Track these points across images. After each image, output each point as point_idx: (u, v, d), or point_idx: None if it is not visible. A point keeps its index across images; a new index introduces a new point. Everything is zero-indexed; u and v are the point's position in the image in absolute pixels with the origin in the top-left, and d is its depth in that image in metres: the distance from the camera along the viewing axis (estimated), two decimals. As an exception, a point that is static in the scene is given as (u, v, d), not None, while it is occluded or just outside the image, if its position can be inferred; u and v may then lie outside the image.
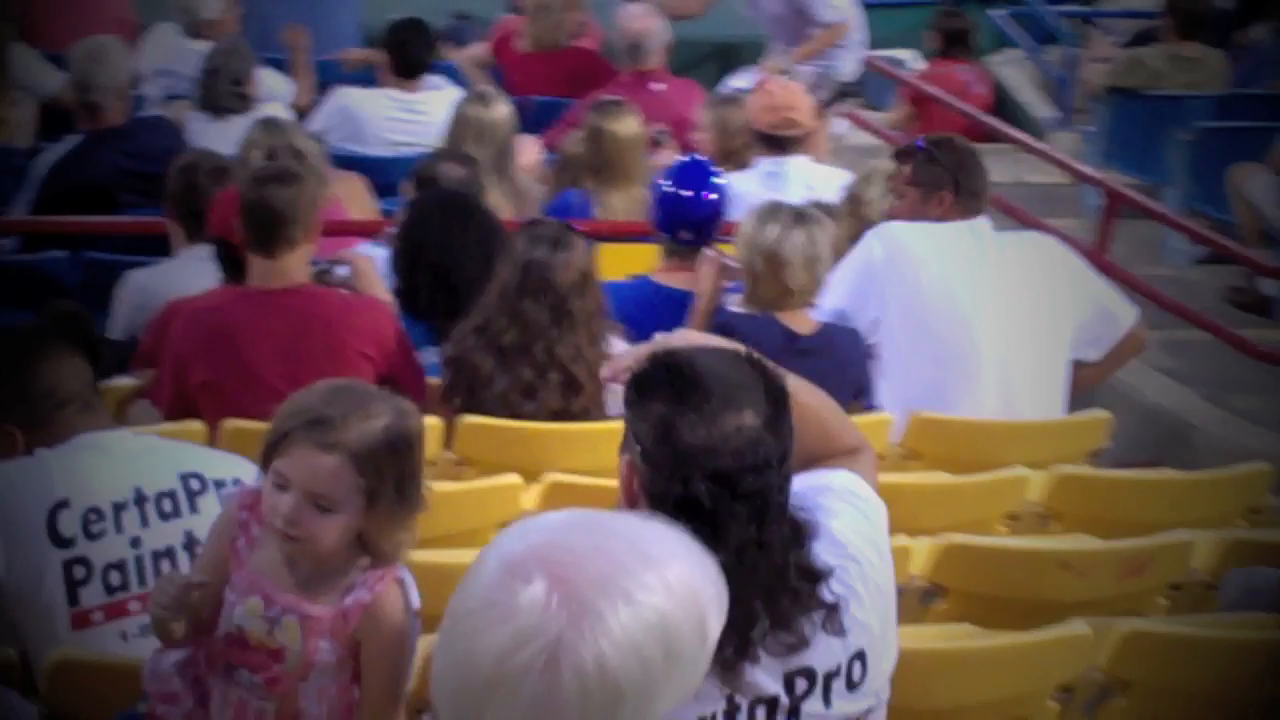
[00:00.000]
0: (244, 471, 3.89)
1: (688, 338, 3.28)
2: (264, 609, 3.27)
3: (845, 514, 3.10)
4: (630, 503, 2.92)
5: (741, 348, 3.05)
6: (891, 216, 6.26)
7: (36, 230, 7.63)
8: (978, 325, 5.98)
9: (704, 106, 8.43)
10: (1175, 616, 4.44)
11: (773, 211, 5.82)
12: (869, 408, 5.88)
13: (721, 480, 2.80)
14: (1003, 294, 6.06)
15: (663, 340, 3.23)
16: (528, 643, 2.05)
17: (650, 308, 6.21)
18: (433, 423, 5.35)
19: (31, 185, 7.73)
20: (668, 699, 2.15)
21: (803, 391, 3.32)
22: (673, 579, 2.14)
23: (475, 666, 2.07)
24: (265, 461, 3.21)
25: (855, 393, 5.85)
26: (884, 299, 6.01)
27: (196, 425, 5.25)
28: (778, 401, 2.89)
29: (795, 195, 7.33)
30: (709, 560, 2.24)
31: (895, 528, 4.52)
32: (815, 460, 3.28)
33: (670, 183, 6.43)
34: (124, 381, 5.78)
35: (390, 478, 3.19)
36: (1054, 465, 5.22)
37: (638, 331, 5.91)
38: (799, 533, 2.92)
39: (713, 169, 6.57)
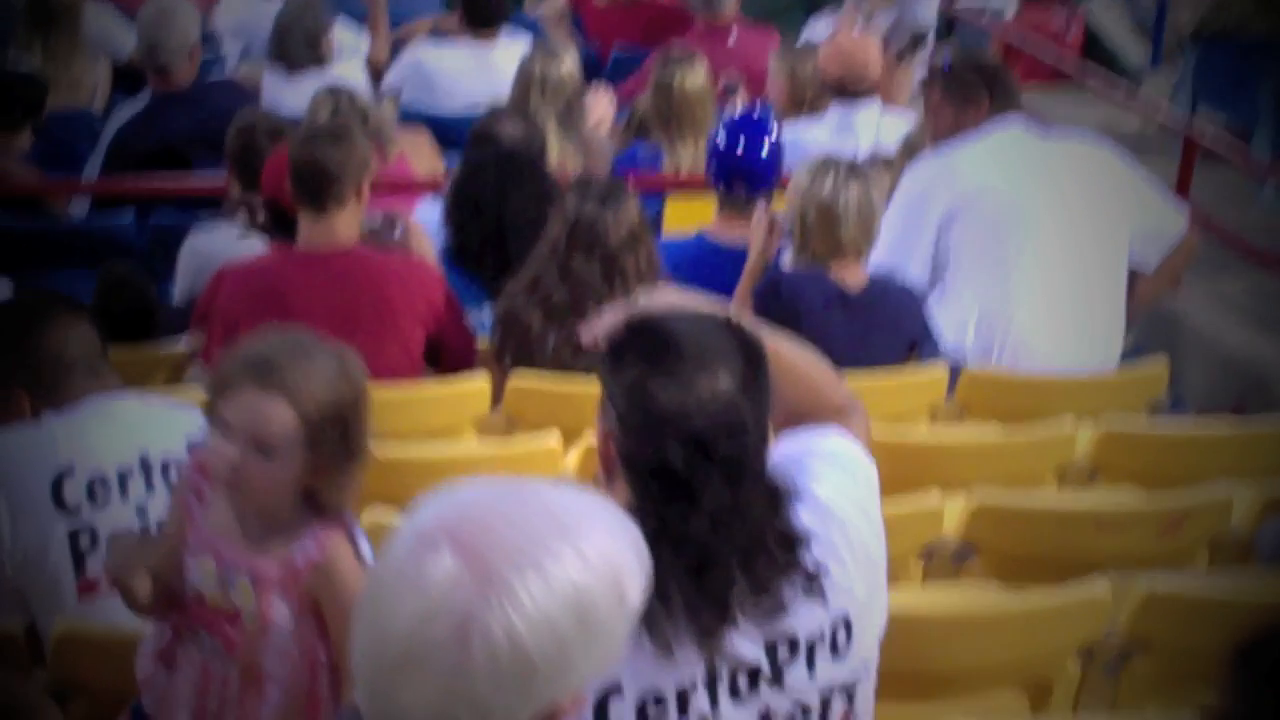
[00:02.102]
0: None
1: (668, 299, 3.23)
2: (217, 569, 3.28)
3: (830, 476, 3.06)
4: (607, 467, 2.91)
5: (721, 309, 3.02)
6: (935, 138, 6.22)
7: (101, 193, 7.67)
8: (1035, 235, 5.93)
9: (774, 57, 8.37)
10: (1202, 574, 4.35)
11: (826, 164, 5.75)
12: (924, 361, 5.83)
13: (696, 444, 2.76)
14: (1056, 201, 6.01)
15: (641, 303, 3.20)
16: (437, 617, 2.04)
17: (705, 263, 6.18)
18: (482, 382, 5.35)
19: (101, 148, 7.78)
20: (586, 669, 2.13)
21: (789, 350, 3.29)
22: (589, 549, 2.12)
23: (387, 641, 2.07)
24: (210, 410, 3.21)
25: (909, 347, 5.79)
26: (932, 229, 5.99)
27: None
28: (754, 364, 2.85)
29: (865, 145, 7.30)
30: (631, 530, 2.22)
31: (940, 484, 4.54)
32: (803, 419, 3.24)
33: (725, 135, 6.38)
34: (183, 344, 5.82)
35: (332, 423, 3.18)
36: (1103, 418, 5.15)
37: (696, 285, 5.88)
38: (777, 496, 2.88)
39: (769, 121, 6.50)
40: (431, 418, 5.31)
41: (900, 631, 3.59)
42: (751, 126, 6.40)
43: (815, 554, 2.90)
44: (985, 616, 3.87)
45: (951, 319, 5.95)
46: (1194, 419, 5.80)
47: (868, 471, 3.17)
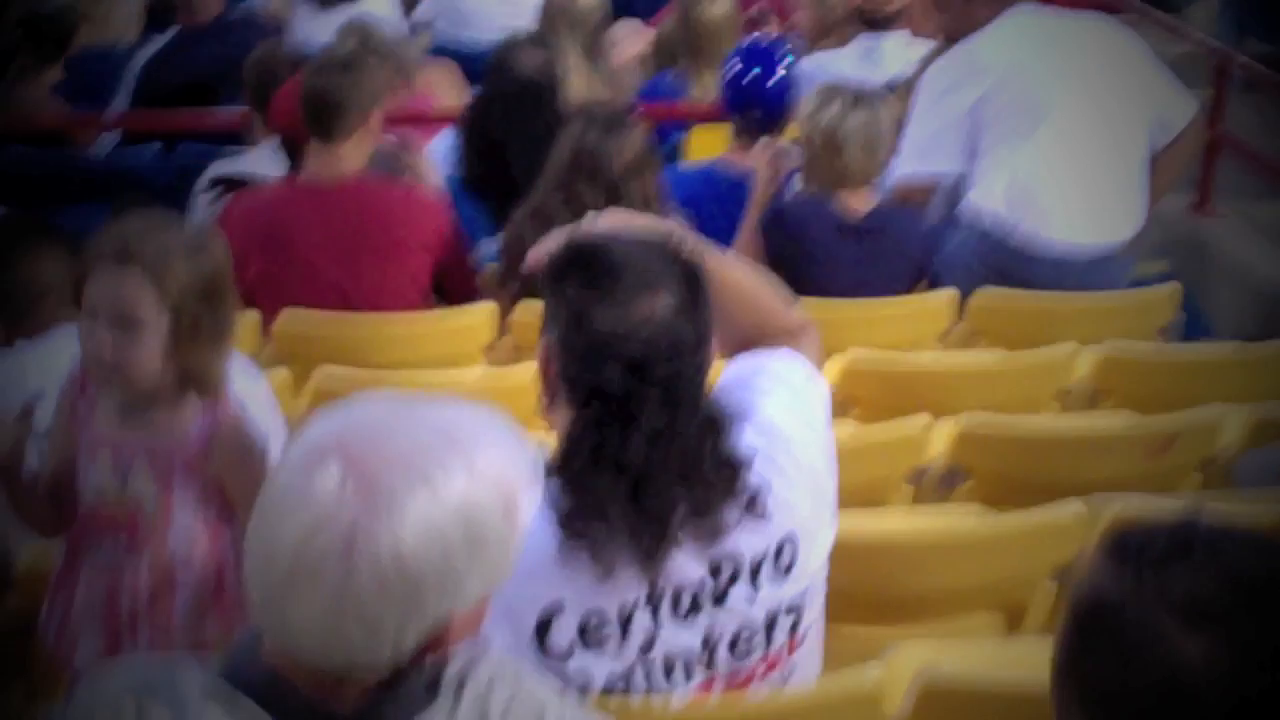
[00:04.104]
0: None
1: (613, 221, 3.24)
2: (113, 460, 3.32)
3: (777, 394, 3.07)
4: (548, 389, 2.92)
5: (663, 230, 3.03)
6: (951, 37, 6.22)
7: (124, 127, 7.72)
8: (1059, 108, 5.93)
9: (801, -15, 8.33)
10: (1182, 498, 4.32)
11: (833, 91, 5.74)
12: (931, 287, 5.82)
13: (633, 366, 2.77)
14: (1077, 75, 6.01)
15: (584, 224, 3.21)
16: (322, 529, 2.05)
17: (718, 190, 6.19)
18: (489, 311, 5.37)
19: (127, 83, 7.82)
20: (475, 583, 2.15)
21: (738, 272, 3.29)
22: (479, 463, 2.14)
23: (275, 555, 2.08)
24: (77, 297, 3.25)
25: (916, 273, 5.79)
26: (964, 118, 5.99)
27: (250, 316, 5.30)
28: (694, 286, 2.85)
29: (892, 73, 7.27)
30: (525, 446, 2.24)
31: (937, 409, 4.54)
32: (754, 341, 3.25)
33: (739, 62, 6.37)
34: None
35: (194, 297, 3.20)
36: (1106, 343, 5.13)
37: (707, 214, 5.90)
38: (717, 417, 2.88)
39: (781, 49, 6.49)
40: (438, 347, 5.33)
41: (874, 554, 3.64)
42: (762, 55, 6.39)
43: (760, 472, 2.91)
44: (958, 539, 3.87)
45: (981, 195, 5.94)
46: (1200, 344, 5.75)
47: (817, 390, 3.18)
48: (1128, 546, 2.01)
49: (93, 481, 3.35)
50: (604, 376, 2.78)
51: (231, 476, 3.32)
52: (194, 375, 3.28)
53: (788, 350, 3.22)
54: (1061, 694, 2.06)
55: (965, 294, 5.63)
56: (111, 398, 3.34)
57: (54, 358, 3.84)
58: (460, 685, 2.28)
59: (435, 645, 2.18)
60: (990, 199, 5.89)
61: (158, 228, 3.23)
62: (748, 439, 2.93)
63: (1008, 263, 5.84)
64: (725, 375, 3.19)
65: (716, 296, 2.96)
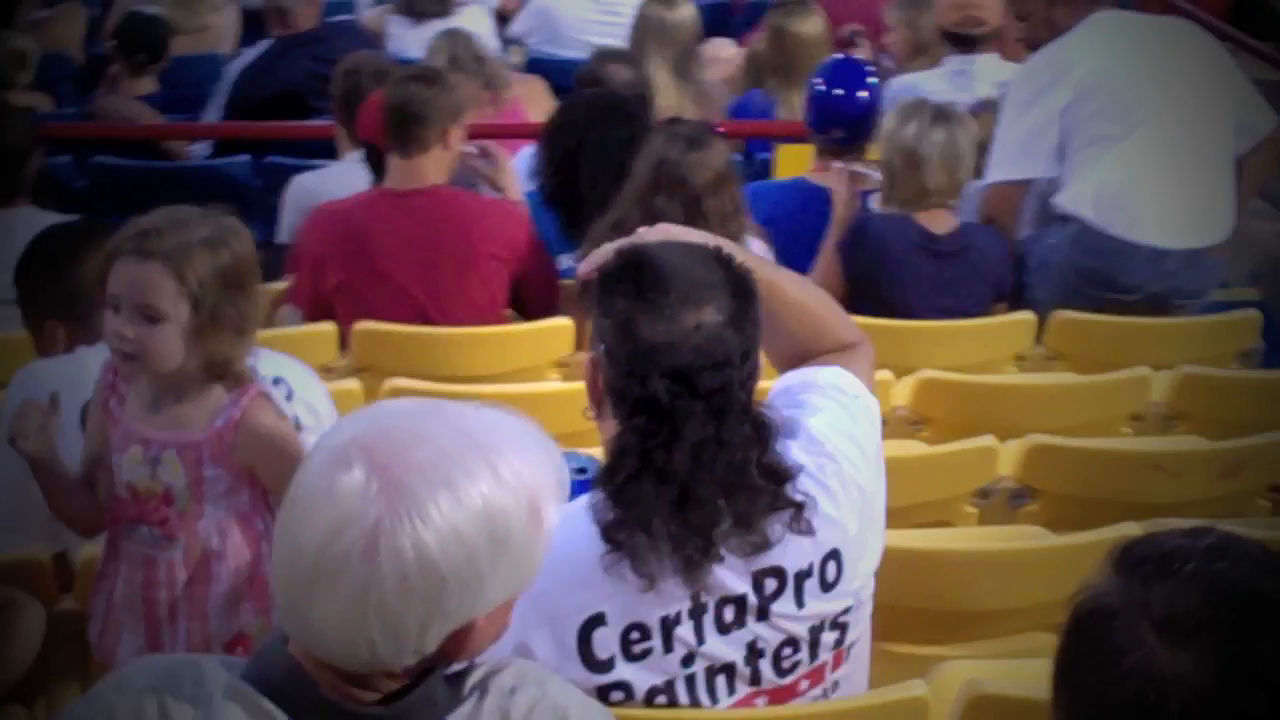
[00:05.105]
0: (288, 371, 3.97)
1: (667, 233, 3.25)
2: (143, 452, 3.37)
3: (827, 410, 3.07)
4: (594, 399, 2.94)
5: (713, 242, 3.03)
6: (1030, 46, 6.27)
7: (217, 136, 7.80)
8: (1148, 110, 5.92)
9: (893, 6, 8.31)
10: (1257, 522, 4.27)
11: (914, 109, 5.74)
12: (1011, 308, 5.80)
13: (679, 377, 2.77)
14: (1164, 76, 6.01)
15: (636, 236, 3.22)
16: (346, 529, 2.08)
17: (801, 208, 6.19)
18: (564, 323, 5.39)
19: (223, 91, 7.90)
20: (498, 586, 2.17)
21: (792, 286, 3.29)
22: (504, 468, 2.16)
23: (299, 554, 2.11)
24: (100, 291, 3.30)
25: (996, 294, 5.77)
26: (1055, 121, 5.97)
27: (328, 327, 5.35)
28: (742, 299, 2.85)
29: (982, 94, 7.24)
30: (551, 451, 2.26)
31: (1009, 430, 4.52)
32: (806, 356, 3.25)
33: (823, 81, 6.37)
34: (278, 284, 5.90)
35: (211, 285, 3.24)
36: (1181, 365, 5.10)
37: (790, 231, 5.91)
38: (763, 430, 2.87)
39: (867, 68, 6.48)
40: (512, 358, 5.35)
41: (927, 569, 3.62)
42: (845, 74, 6.38)
43: (805, 488, 2.90)
44: (1013, 557, 3.85)
45: (1072, 199, 5.93)
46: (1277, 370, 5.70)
47: (867, 407, 3.17)
48: (1131, 557, 2.01)
49: (125, 474, 3.41)
50: (650, 388, 2.78)
51: (262, 467, 3.37)
52: (217, 365, 3.33)
53: (839, 367, 3.21)
54: (1054, 698, 2.06)
55: (1056, 299, 5.64)
56: (141, 391, 3.40)
57: None
58: (483, 690, 2.30)
59: (457, 648, 2.20)
60: (1081, 202, 5.88)
61: (178, 222, 3.27)
62: (795, 454, 2.93)
63: (1101, 265, 5.83)
64: (775, 389, 3.19)
65: (768, 310, 2.96)
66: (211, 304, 3.25)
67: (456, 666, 2.29)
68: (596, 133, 5.92)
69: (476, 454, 2.15)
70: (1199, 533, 2.04)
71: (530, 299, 5.69)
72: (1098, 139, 5.89)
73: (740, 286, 2.87)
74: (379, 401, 2.26)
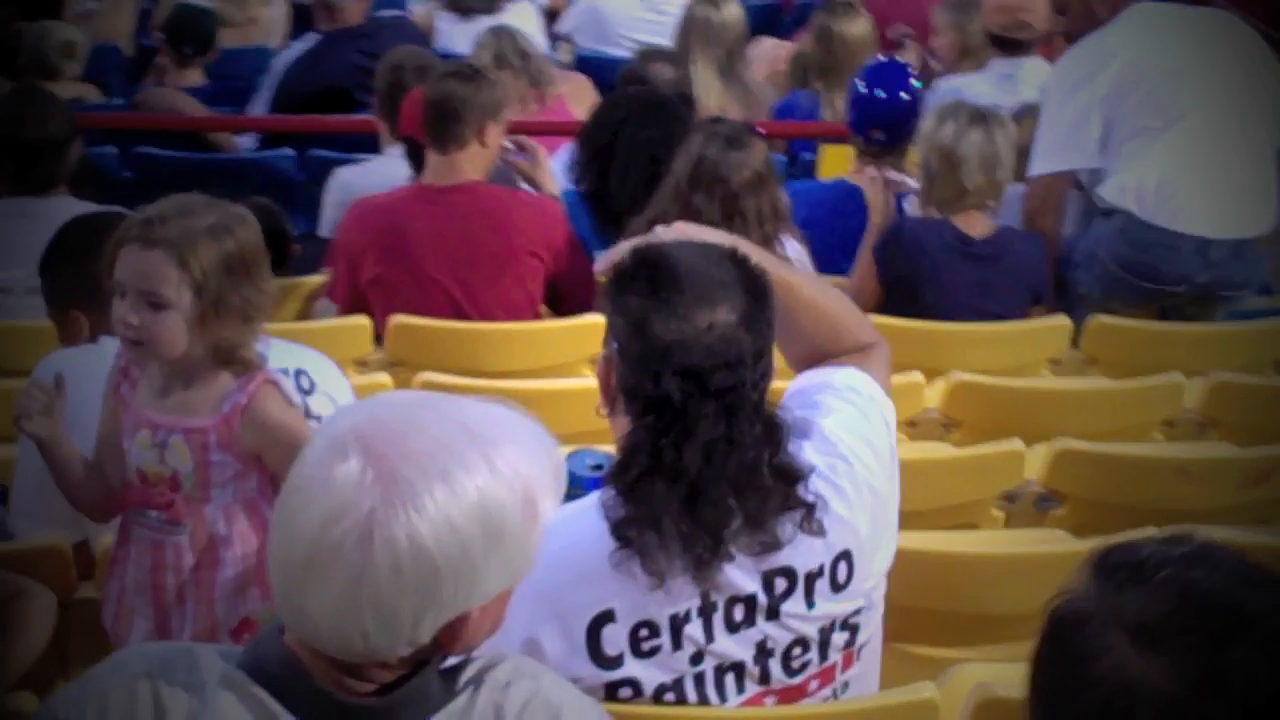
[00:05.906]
0: (310, 364, 3.99)
1: (682, 232, 3.25)
2: (151, 437, 3.40)
3: (841, 411, 3.06)
4: (607, 397, 2.94)
5: (729, 242, 3.03)
6: (1069, 40, 6.28)
7: (262, 129, 7.83)
8: (1191, 100, 5.93)
9: (940, 9, 8.30)
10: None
11: (952, 110, 5.74)
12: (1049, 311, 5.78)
13: (691, 376, 2.78)
14: (1206, 66, 6.00)
15: (652, 234, 3.22)
16: (340, 518, 2.09)
17: (842, 209, 6.19)
18: (596, 319, 5.38)
19: (270, 84, 7.93)
20: (493, 578, 2.18)
21: (808, 287, 3.29)
22: (499, 460, 2.17)
23: (295, 543, 2.13)
24: (107, 279, 3.33)
25: (1033, 298, 5.75)
26: (1097, 113, 5.98)
27: (363, 320, 5.37)
28: (756, 299, 2.85)
29: (1028, 98, 7.23)
30: (548, 444, 2.26)
31: (1039, 434, 4.50)
32: (824, 357, 3.25)
33: (864, 83, 6.37)
34: (316, 277, 5.93)
35: (215, 273, 3.27)
36: (1213, 372, 5.08)
37: (829, 232, 5.91)
38: (776, 430, 2.88)
39: (909, 70, 6.48)
40: (545, 354, 5.36)
41: (943, 570, 3.61)
42: (887, 76, 6.39)
43: (818, 488, 2.91)
44: (1030, 559, 3.83)
45: (1115, 190, 5.93)
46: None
47: (881, 408, 3.16)
48: (1107, 563, 2.01)
49: (134, 459, 3.43)
50: (662, 386, 2.78)
51: (269, 454, 3.39)
52: (224, 352, 3.35)
53: (855, 368, 3.21)
54: (1029, 702, 2.06)
55: (1102, 292, 5.67)
56: (151, 376, 3.43)
57: None
58: (478, 684, 2.30)
59: (452, 640, 2.21)
60: (1125, 195, 5.87)
61: (184, 210, 3.30)
62: (807, 455, 2.93)
63: (1148, 257, 5.82)
64: (791, 390, 3.20)
65: (785, 311, 2.97)
66: (215, 291, 3.28)
67: (452, 660, 2.29)
68: (629, 131, 5.92)
69: (473, 446, 2.16)
70: (1176, 540, 2.03)
71: (566, 297, 5.70)
72: (1140, 131, 5.88)
73: (754, 286, 2.87)
74: (378, 393, 2.26)
